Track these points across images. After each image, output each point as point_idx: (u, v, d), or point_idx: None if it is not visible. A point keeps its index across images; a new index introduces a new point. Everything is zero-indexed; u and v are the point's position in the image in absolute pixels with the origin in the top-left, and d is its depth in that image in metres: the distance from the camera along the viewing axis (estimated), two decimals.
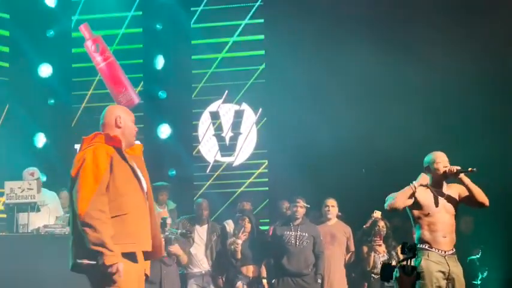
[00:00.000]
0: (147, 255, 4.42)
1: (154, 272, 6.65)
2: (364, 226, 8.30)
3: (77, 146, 11.28)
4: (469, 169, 5.70)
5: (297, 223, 8.12)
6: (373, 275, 8.00)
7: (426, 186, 5.84)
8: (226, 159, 10.82)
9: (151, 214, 4.45)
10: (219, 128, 10.90)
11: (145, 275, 4.42)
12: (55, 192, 9.01)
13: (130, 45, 10.77)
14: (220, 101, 10.91)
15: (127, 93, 10.15)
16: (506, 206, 8.65)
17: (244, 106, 10.85)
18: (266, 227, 9.15)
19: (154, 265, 6.63)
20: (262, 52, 10.76)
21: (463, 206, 5.90)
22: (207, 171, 10.81)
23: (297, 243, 8.04)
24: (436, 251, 5.69)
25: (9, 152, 9.75)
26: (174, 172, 10.67)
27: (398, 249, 7.75)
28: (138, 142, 4.84)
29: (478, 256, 8.45)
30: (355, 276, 8.36)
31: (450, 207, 5.78)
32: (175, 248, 7.65)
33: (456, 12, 9.52)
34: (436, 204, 5.74)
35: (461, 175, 5.72)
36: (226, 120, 10.89)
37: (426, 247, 5.69)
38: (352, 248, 8.35)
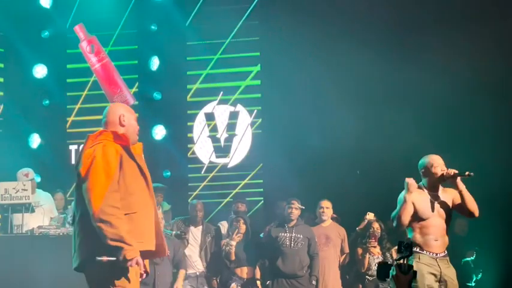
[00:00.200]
0: (149, 254, 4.41)
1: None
2: (358, 228, 8.31)
3: (72, 147, 11.39)
4: (466, 173, 5.71)
5: (292, 224, 8.12)
6: (367, 277, 8.00)
7: (422, 189, 5.84)
8: (221, 161, 10.81)
9: (156, 213, 4.46)
10: (214, 130, 10.89)
11: (146, 272, 4.39)
12: (49, 193, 9.00)
13: (126, 46, 10.76)
14: (215, 102, 10.90)
15: (122, 94, 10.16)
16: (502, 209, 8.67)
17: (239, 107, 10.85)
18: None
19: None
20: (258, 53, 10.77)
21: None
22: (202, 172, 10.80)
23: (292, 244, 8.04)
24: (428, 253, 5.71)
25: (4, 153, 9.73)
26: (168, 173, 10.66)
27: (393, 250, 7.78)
28: None
29: (472, 258, 8.47)
30: (349, 278, 8.37)
31: (443, 212, 5.80)
32: None
33: (453, 16, 9.54)
34: (432, 209, 5.76)
35: (457, 180, 5.73)
36: (221, 122, 10.88)
37: (418, 250, 5.71)
38: (347, 250, 8.36)
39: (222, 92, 10.87)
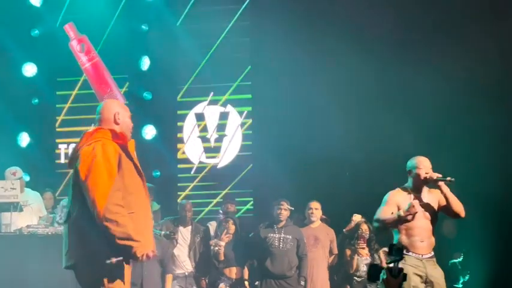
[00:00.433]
0: None
1: (135, 272, 6.63)
2: (344, 230, 8.32)
3: (61, 146, 11.36)
4: (448, 178, 5.75)
5: (281, 225, 8.13)
6: (355, 278, 8.01)
7: (407, 191, 5.89)
8: (211, 161, 10.82)
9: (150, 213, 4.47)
10: (204, 130, 10.89)
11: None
12: (38, 193, 8.97)
13: (116, 46, 10.73)
14: (206, 102, 10.91)
15: (112, 94, 10.13)
16: (489, 210, 8.71)
17: (230, 108, 10.86)
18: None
19: (136, 265, 6.61)
20: (248, 54, 10.77)
21: None
22: (192, 172, 10.80)
23: (281, 245, 8.05)
24: (414, 255, 5.74)
25: None
26: (158, 173, 10.65)
27: (381, 252, 7.80)
28: None
29: (459, 260, 8.50)
30: (337, 279, 8.38)
31: (428, 213, 5.83)
32: None
33: (445, 19, 9.58)
34: (418, 210, 5.78)
35: (441, 183, 5.77)
36: (212, 122, 10.89)
37: (404, 251, 5.74)
38: (336, 251, 8.37)
39: (212, 93, 10.88)
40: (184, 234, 8.41)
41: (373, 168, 9.22)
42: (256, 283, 8.15)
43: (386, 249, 7.60)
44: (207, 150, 10.84)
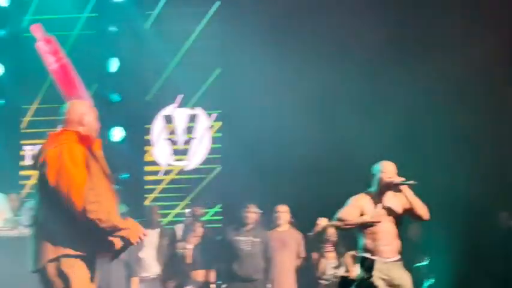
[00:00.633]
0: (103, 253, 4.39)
1: (101, 276, 6.57)
2: (309, 234, 8.34)
3: (27, 148, 11.22)
4: (408, 182, 5.82)
5: (248, 228, 8.14)
6: (322, 281, 8.05)
7: (371, 195, 5.94)
8: (180, 164, 10.79)
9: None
10: (172, 132, 10.86)
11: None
12: (3, 194, 8.86)
13: (84, 47, 10.65)
14: (175, 105, 10.88)
15: (79, 95, 10.03)
16: (455, 213, 8.80)
17: (199, 110, 10.84)
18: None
19: (102, 269, 6.57)
20: (218, 57, 10.76)
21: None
22: (160, 175, 10.76)
23: (248, 248, 8.05)
24: (378, 258, 5.79)
25: None
26: (125, 175, 10.59)
27: (348, 255, 7.84)
28: None
29: (424, 263, 8.57)
30: (305, 282, 8.40)
31: (393, 217, 5.88)
32: None
33: (415, 24, 9.67)
34: (381, 214, 5.84)
35: (403, 187, 5.83)
36: (180, 125, 10.87)
37: (369, 255, 5.81)
38: (303, 254, 8.40)
39: (181, 95, 10.85)
40: (151, 237, 8.37)
41: (340, 172, 9.27)
42: (223, 286, 8.14)
43: (353, 252, 7.66)
44: (175, 152, 10.81)
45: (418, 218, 5.92)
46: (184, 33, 10.74)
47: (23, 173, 10.60)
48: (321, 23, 9.84)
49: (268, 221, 8.57)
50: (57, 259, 4.13)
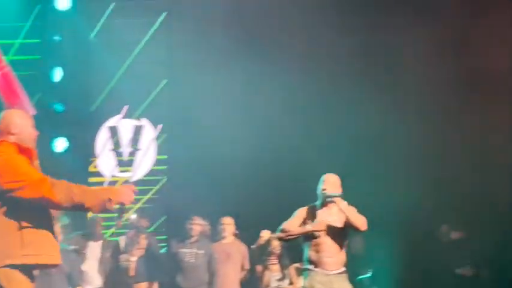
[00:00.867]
0: (45, 266, 4.32)
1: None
2: (252, 246, 8.34)
3: None
4: (334, 195, 5.87)
5: (193, 240, 8.11)
6: None
7: (315, 207, 6.00)
8: (124, 175, 10.69)
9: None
10: (117, 143, 10.76)
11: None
12: None
13: (28, 56, 10.49)
14: (120, 115, 10.79)
15: (21, 105, 9.86)
16: (396, 226, 8.92)
17: (144, 121, 10.78)
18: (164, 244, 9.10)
19: (43, 280, 6.47)
20: (164, 68, 10.72)
21: None
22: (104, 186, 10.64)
23: (192, 260, 8.02)
24: (321, 271, 5.82)
25: None
26: None
27: (292, 268, 7.88)
28: None
29: (367, 275, 8.66)
30: None
31: (336, 229, 5.93)
32: None
33: (359, 34, 9.79)
34: (324, 226, 5.89)
35: (337, 199, 5.89)
36: (125, 136, 10.77)
37: (312, 267, 5.85)
38: (247, 266, 8.40)
39: (127, 106, 10.77)
40: (94, 249, 8.27)
41: (285, 185, 9.32)
42: None
43: (297, 265, 7.69)
44: (120, 163, 10.71)
45: (355, 228, 5.98)
46: (130, 44, 10.66)
47: None
48: (268, 32, 9.90)
49: (215, 233, 8.56)
50: None
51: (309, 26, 9.76)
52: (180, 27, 10.41)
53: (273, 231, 8.11)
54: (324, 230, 5.85)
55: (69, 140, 10.54)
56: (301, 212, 5.99)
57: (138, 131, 10.77)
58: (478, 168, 9.33)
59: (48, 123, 10.20)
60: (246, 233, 8.71)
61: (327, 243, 5.88)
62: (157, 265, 8.19)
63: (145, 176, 10.69)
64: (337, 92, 9.49)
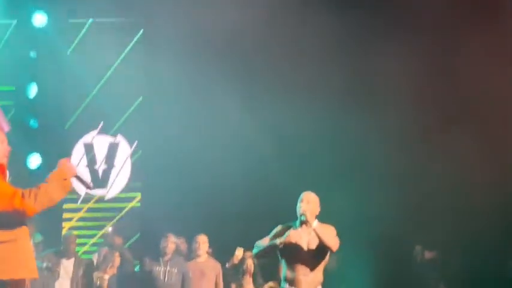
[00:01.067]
0: (23, 283, 4.31)
1: None
2: (227, 265, 8.32)
3: None
4: (312, 224, 5.88)
5: (167, 259, 8.07)
6: None
7: (293, 225, 6.00)
8: (99, 192, 10.64)
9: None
10: (92, 160, 10.71)
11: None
12: None
13: (2, 72, 10.43)
14: (95, 132, 10.75)
15: None
16: (372, 246, 8.97)
17: (120, 138, 10.75)
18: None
19: None
20: (140, 85, 10.71)
21: None
22: (78, 203, 10.58)
23: (166, 279, 7.98)
24: None
25: None
26: None
27: (266, 286, 7.87)
28: None
29: None
30: None
31: (313, 247, 5.94)
32: None
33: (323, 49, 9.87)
34: (299, 244, 5.90)
35: (315, 226, 5.89)
36: (100, 152, 10.73)
37: (287, 286, 5.85)
38: (221, 285, 8.36)
39: (102, 122, 10.73)
40: (67, 266, 8.21)
41: (260, 203, 9.34)
42: None
43: (271, 283, 7.69)
44: (94, 180, 10.64)
45: (329, 249, 6.00)
46: (106, 61, 10.65)
47: None
48: (245, 50, 9.95)
49: (189, 251, 8.53)
50: None
51: (288, 43, 9.84)
52: (156, 45, 10.43)
53: (248, 249, 8.15)
54: (289, 242, 5.85)
55: (42, 156, 10.48)
56: (278, 229, 5.97)
57: (113, 147, 10.74)
58: (456, 187, 9.40)
59: (22, 139, 10.17)
60: (221, 251, 8.70)
61: (302, 261, 5.87)
62: (130, 283, 8.13)
63: (119, 193, 10.64)
64: (317, 110, 9.55)
